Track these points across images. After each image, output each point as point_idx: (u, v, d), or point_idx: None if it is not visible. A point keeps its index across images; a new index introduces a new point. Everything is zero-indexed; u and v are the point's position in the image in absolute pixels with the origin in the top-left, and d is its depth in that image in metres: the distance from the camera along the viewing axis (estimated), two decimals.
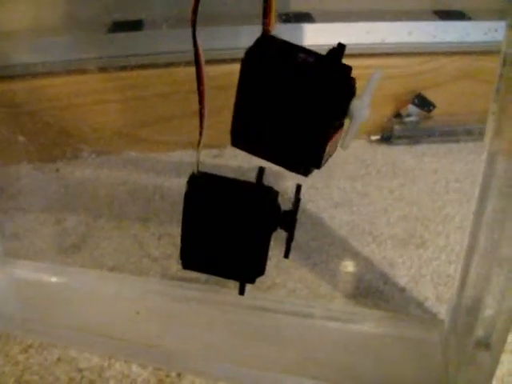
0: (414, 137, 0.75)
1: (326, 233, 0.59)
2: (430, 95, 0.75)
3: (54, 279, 0.53)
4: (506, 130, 0.37)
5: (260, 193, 0.33)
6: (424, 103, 0.75)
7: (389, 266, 0.55)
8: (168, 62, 0.70)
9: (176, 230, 0.59)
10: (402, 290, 0.53)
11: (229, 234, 0.34)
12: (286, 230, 0.34)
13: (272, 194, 0.34)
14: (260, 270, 0.35)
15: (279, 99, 0.29)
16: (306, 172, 0.31)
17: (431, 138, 0.74)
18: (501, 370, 0.44)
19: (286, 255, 0.35)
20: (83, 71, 0.68)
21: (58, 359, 0.45)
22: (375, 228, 0.60)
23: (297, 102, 0.28)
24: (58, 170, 0.68)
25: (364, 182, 0.67)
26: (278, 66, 0.28)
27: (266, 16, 0.29)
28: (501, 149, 0.38)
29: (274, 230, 0.34)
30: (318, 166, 0.30)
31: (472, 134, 0.72)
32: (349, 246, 0.58)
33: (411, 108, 0.75)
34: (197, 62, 0.31)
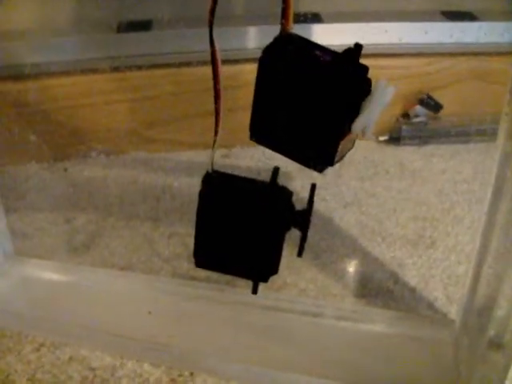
0: (422, 137, 0.75)
1: (336, 233, 0.59)
2: (437, 96, 0.75)
3: (64, 278, 0.53)
4: None
5: (274, 192, 0.34)
6: (432, 104, 0.75)
7: (398, 266, 0.55)
8: (178, 61, 0.70)
9: (186, 230, 0.60)
10: (412, 289, 0.53)
11: (243, 232, 0.34)
12: (299, 229, 0.34)
13: (286, 193, 0.34)
14: (273, 269, 0.35)
15: (296, 96, 0.29)
16: (319, 168, 0.31)
17: (439, 138, 0.74)
18: None
19: (300, 254, 0.35)
20: (93, 71, 0.68)
21: (70, 358, 0.45)
22: (384, 228, 0.60)
23: (312, 99, 0.29)
24: (66, 170, 0.69)
25: (373, 182, 0.67)
26: (295, 63, 0.29)
27: (284, 16, 0.29)
28: None
29: (288, 229, 0.34)
30: (331, 163, 0.30)
31: (481, 134, 0.72)
32: (358, 246, 0.58)
33: (419, 109, 0.76)
34: (213, 61, 0.31)
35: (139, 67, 0.69)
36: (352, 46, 0.28)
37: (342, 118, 0.29)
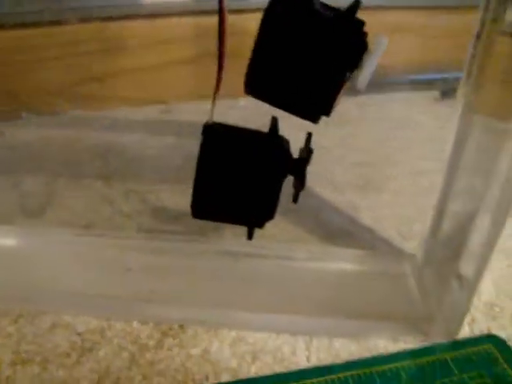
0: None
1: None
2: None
3: (27, 242, 0.51)
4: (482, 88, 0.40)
5: (272, 140, 0.35)
6: None
7: (353, 209, 0.58)
8: (109, 15, 0.67)
9: (142, 187, 0.59)
10: (369, 230, 0.56)
11: (241, 180, 0.35)
12: (296, 177, 0.36)
13: (283, 141, 0.35)
14: (270, 215, 0.36)
15: (298, 49, 0.30)
16: (315, 119, 0.32)
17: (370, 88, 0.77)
18: (478, 300, 0.48)
19: (295, 200, 0.36)
20: (21, 26, 0.64)
21: (53, 326, 0.44)
22: (334, 176, 0.63)
23: (313, 53, 0.30)
24: (2, 134, 0.64)
25: (314, 133, 0.69)
26: (297, 18, 0.29)
27: None
28: (477, 101, 0.40)
29: (285, 176, 0.36)
30: (328, 113, 0.32)
31: (407, 84, 0.76)
32: (314, 194, 0.60)
33: None
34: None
35: (69, 22, 0.66)
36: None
37: (341, 69, 0.30)
